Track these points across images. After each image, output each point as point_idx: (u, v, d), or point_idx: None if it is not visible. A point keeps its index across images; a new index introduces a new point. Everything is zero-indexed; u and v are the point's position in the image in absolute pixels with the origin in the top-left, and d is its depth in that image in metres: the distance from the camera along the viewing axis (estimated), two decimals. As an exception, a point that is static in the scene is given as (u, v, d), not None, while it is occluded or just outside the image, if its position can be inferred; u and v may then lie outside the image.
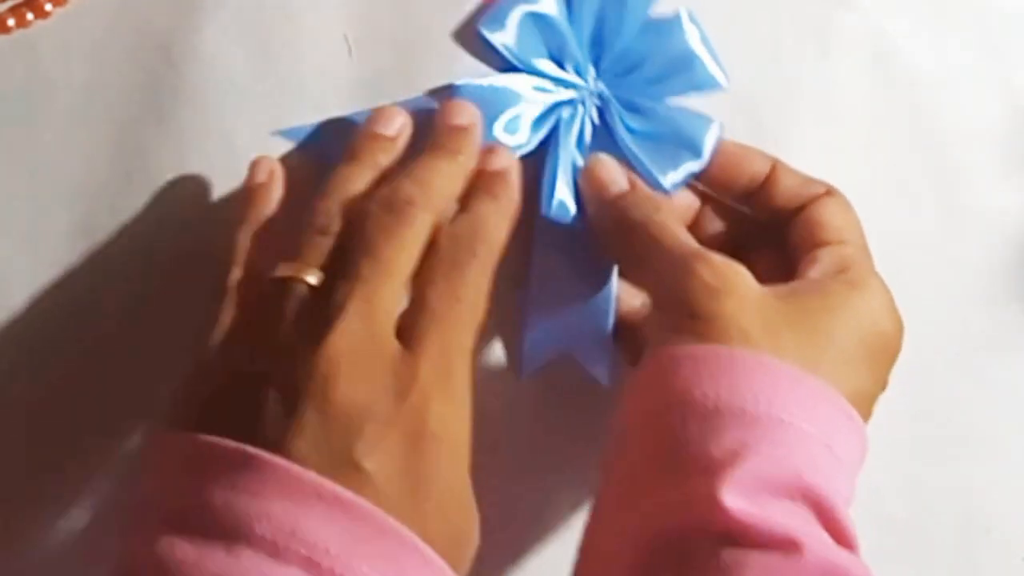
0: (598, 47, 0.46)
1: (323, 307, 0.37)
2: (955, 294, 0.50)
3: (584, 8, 0.45)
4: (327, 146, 0.44)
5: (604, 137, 0.46)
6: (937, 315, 0.50)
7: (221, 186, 0.44)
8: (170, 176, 0.43)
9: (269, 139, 0.44)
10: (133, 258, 0.43)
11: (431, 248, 0.39)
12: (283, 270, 0.38)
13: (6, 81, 0.42)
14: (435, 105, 0.43)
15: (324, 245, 0.38)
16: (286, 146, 0.44)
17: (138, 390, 0.43)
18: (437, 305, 0.38)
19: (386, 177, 0.41)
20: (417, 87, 0.45)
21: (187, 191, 0.43)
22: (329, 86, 0.44)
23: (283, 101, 0.44)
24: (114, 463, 0.44)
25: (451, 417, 0.37)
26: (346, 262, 0.38)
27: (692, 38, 0.46)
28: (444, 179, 0.40)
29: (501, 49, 0.44)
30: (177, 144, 0.43)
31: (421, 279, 0.38)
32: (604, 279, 0.46)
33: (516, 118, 0.44)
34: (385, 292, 0.37)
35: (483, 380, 0.39)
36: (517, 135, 0.44)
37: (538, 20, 0.44)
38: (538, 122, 0.45)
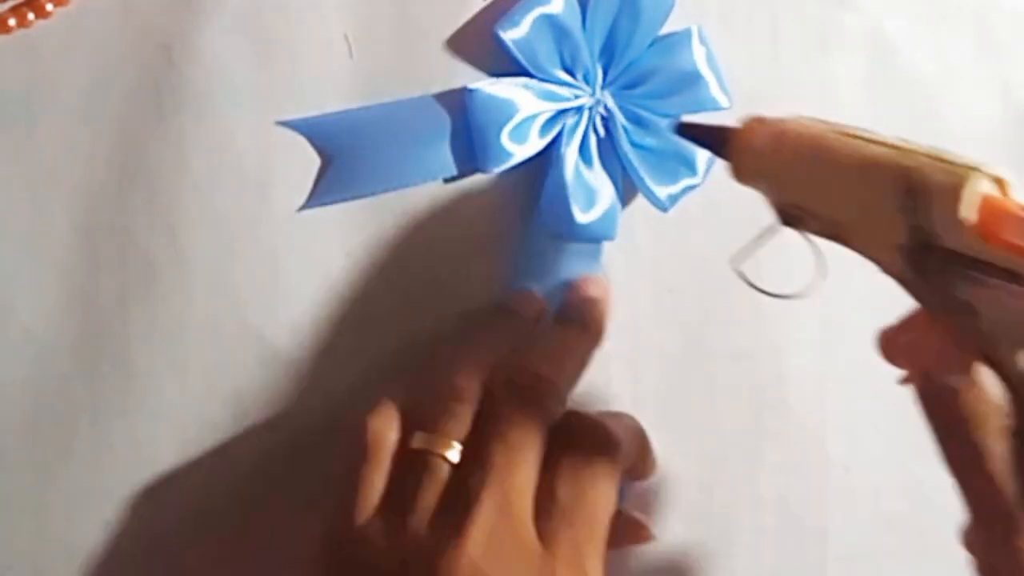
0: (608, 57, 0.46)
1: (458, 491, 0.37)
2: (955, 294, 0.50)
3: (599, 17, 0.45)
4: (330, 139, 0.44)
5: (607, 148, 0.46)
6: (937, 315, 0.50)
7: (222, 186, 0.44)
8: (170, 176, 0.43)
9: (269, 138, 0.44)
10: (135, 258, 0.43)
11: (557, 432, 0.39)
12: (419, 441, 0.38)
13: (6, 81, 0.42)
14: (440, 109, 0.44)
15: (459, 412, 0.39)
16: (286, 146, 0.44)
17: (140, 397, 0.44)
18: (569, 502, 0.38)
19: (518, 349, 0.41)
20: (417, 87, 0.45)
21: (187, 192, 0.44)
22: (329, 86, 0.44)
23: (283, 101, 0.44)
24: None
25: None
26: (479, 447, 0.38)
27: (699, 58, 0.46)
28: (574, 356, 0.41)
29: (512, 49, 0.44)
30: (177, 144, 0.43)
31: (552, 470, 0.38)
32: None
33: (523, 124, 0.44)
34: (519, 478, 0.37)
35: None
36: (524, 143, 0.45)
37: (552, 24, 0.44)
38: (544, 129, 0.45)
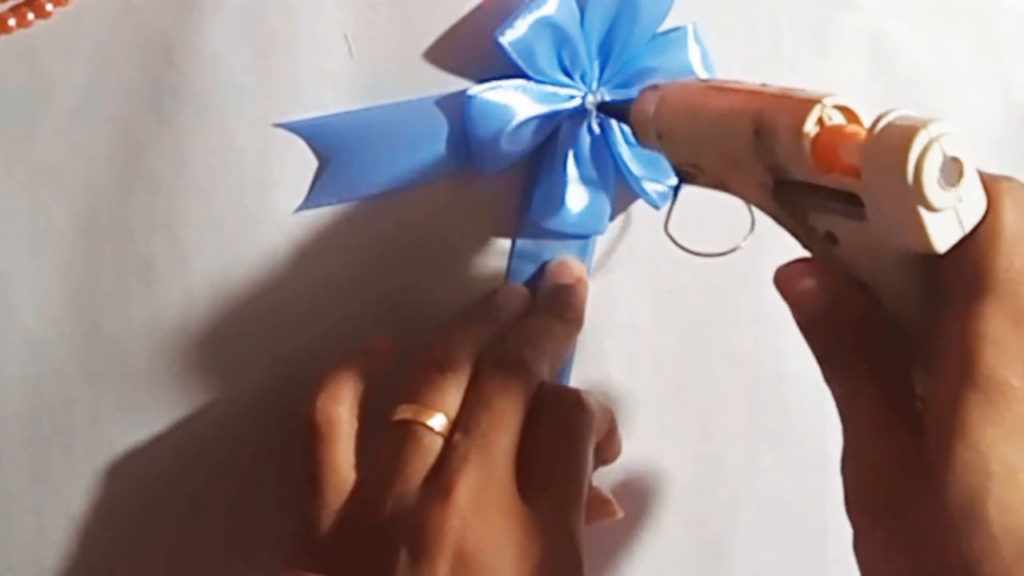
0: (605, 56, 0.46)
1: (446, 457, 0.39)
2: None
3: (597, 17, 0.45)
4: (327, 141, 0.44)
5: (601, 145, 0.46)
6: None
7: (222, 186, 0.44)
8: (170, 176, 0.43)
9: (269, 139, 0.44)
10: (134, 259, 0.43)
11: (537, 402, 0.41)
12: (402, 412, 0.40)
13: (6, 81, 0.42)
14: (438, 112, 0.44)
15: (442, 384, 0.40)
16: (286, 146, 0.44)
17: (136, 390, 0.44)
18: (550, 464, 0.40)
19: (498, 336, 0.43)
20: (417, 87, 0.45)
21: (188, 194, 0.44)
22: (329, 86, 0.44)
23: (283, 101, 0.44)
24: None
25: (572, 569, 0.39)
26: (466, 416, 0.40)
27: (694, 57, 0.46)
28: (553, 340, 0.43)
29: (512, 53, 0.44)
30: (177, 144, 0.43)
31: (533, 435, 0.40)
32: None
33: (521, 127, 0.44)
34: (503, 443, 0.39)
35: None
36: (520, 144, 0.45)
37: (550, 26, 0.44)
38: (539, 129, 0.45)
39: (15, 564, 0.43)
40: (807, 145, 0.34)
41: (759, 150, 0.36)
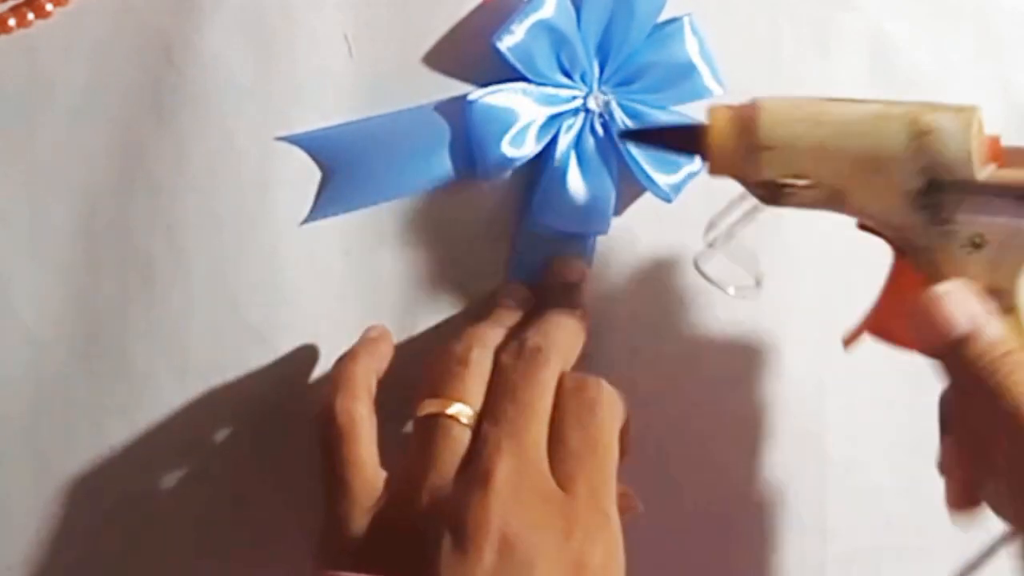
0: (604, 54, 0.46)
1: (478, 447, 0.39)
2: (955, 294, 0.50)
3: (593, 16, 0.45)
4: (330, 152, 0.44)
5: (603, 145, 0.46)
6: (937, 315, 0.50)
7: (222, 186, 0.44)
8: (170, 176, 0.43)
9: (269, 139, 0.44)
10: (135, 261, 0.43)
11: (559, 392, 0.41)
12: (427, 407, 0.40)
13: (6, 81, 0.42)
14: (439, 118, 0.44)
15: (464, 377, 0.41)
16: (286, 146, 0.44)
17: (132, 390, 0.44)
18: (581, 448, 0.40)
19: (511, 332, 0.44)
20: (417, 87, 0.45)
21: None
22: (329, 86, 0.44)
23: (283, 101, 0.44)
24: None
25: (611, 555, 0.39)
26: (492, 407, 0.40)
27: (692, 49, 0.47)
28: (565, 332, 0.43)
29: (510, 57, 0.44)
30: (177, 144, 0.43)
31: (561, 422, 0.41)
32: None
33: (523, 130, 0.45)
34: (532, 431, 0.40)
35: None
36: (523, 147, 0.45)
37: (548, 28, 0.44)
38: (542, 131, 0.45)
39: (15, 564, 0.43)
40: (982, 142, 0.37)
41: (919, 151, 0.37)
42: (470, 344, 0.42)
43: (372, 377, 0.42)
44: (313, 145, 0.44)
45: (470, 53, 0.45)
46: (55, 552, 0.43)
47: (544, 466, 0.39)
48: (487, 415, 0.40)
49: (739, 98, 0.47)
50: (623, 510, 0.45)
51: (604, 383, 0.42)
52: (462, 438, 0.40)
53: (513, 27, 0.44)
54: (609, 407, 0.41)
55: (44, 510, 0.43)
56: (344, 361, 0.42)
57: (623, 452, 0.44)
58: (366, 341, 0.43)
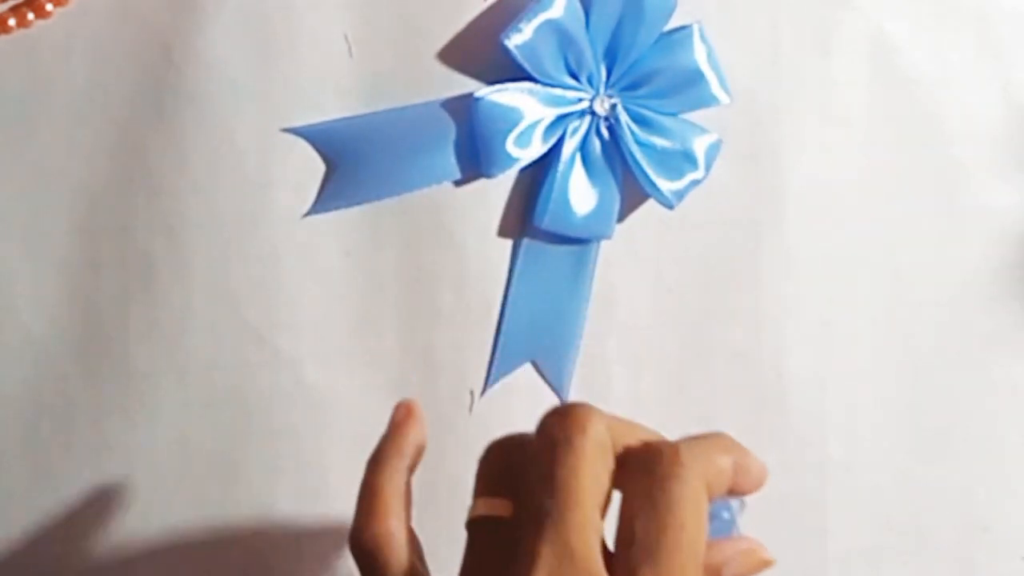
0: (611, 58, 0.46)
1: (517, 548, 0.34)
2: (955, 293, 0.50)
3: (602, 19, 0.45)
4: (334, 145, 0.44)
5: (609, 148, 0.46)
6: (937, 314, 0.50)
7: (222, 186, 0.44)
8: (170, 176, 0.43)
9: (269, 139, 0.44)
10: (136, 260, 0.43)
11: (625, 473, 0.36)
12: (476, 509, 0.36)
13: (6, 81, 0.42)
14: (444, 114, 0.44)
15: (487, 474, 0.37)
16: (286, 145, 0.44)
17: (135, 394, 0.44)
18: (647, 534, 0.34)
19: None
20: (417, 87, 0.45)
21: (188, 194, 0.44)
22: (329, 86, 0.44)
23: (283, 101, 0.44)
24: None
25: None
26: (529, 498, 0.35)
27: (700, 57, 0.47)
28: (594, 417, 0.36)
29: (517, 55, 0.44)
30: (177, 144, 0.43)
31: (627, 503, 0.35)
32: (582, 291, 0.47)
33: (528, 130, 0.45)
34: (575, 519, 0.34)
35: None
36: (528, 147, 0.45)
37: (556, 28, 0.44)
38: (547, 132, 0.45)
39: (15, 564, 0.43)
40: None
41: None
42: (501, 443, 0.37)
43: (402, 480, 0.38)
44: (318, 138, 0.44)
45: (472, 55, 0.45)
46: (55, 552, 0.44)
47: (594, 556, 0.34)
48: (524, 507, 0.35)
49: (741, 98, 0.47)
50: (752, 569, 0.38)
51: (675, 447, 0.35)
52: (509, 536, 0.35)
53: (522, 25, 0.43)
54: (683, 478, 0.35)
55: (44, 510, 0.43)
56: (369, 471, 0.38)
57: (748, 485, 0.38)
58: (393, 432, 0.39)
